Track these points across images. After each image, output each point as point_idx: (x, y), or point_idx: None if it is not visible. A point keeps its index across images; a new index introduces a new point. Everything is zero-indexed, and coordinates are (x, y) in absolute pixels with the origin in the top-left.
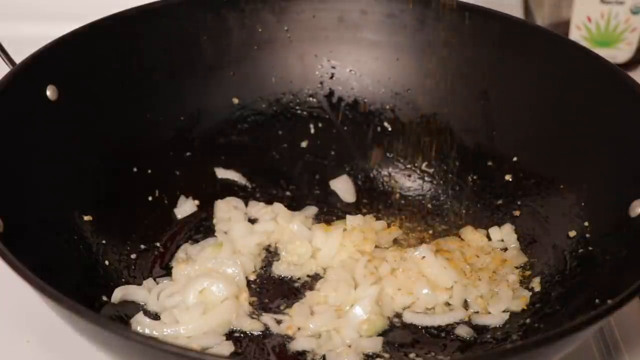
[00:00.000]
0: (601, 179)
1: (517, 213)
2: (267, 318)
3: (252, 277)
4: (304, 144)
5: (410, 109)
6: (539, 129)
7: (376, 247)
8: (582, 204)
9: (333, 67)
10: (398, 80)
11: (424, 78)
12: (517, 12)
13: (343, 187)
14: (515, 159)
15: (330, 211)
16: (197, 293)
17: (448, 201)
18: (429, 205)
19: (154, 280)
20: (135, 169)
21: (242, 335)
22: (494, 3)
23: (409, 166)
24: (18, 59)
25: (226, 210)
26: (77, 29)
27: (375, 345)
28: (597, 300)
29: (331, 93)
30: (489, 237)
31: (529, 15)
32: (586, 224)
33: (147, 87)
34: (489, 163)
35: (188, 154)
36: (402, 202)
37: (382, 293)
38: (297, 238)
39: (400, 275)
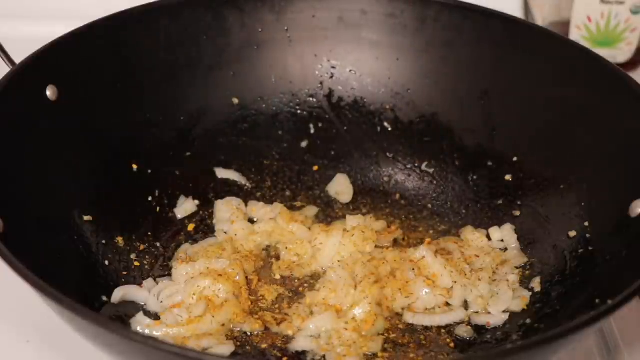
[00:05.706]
0: (601, 179)
1: (517, 213)
2: (267, 318)
3: (252, 277)
4: (304, 144)
5: (410, 109)
6: (539, 129)
7: (376, 247)
8: (582, 204)
9: (333, 67)
10: (398, 80)
11: (424, 78)
12: (517, 12)
13: (339, 188)
14: (515, 159)
15: (330, 211)
16: (197, 293)
17: (448, 201)
18: (429, 205)
19: (154, 280)
20: (135, 169)
21: (242, 335)
22: (494, 3)
23: (409, 166)
24: (18, 59)
25: (226, 210)
26: (77, 29)
27: (375, 345)
28: (597, 300)
29: (331, 93)
30: (489, 237)
31: (529, 15)
32: (586, 224)
33: (147, 87)
34: (489, 163)
35: (188, 154)
36: (402, 202)
37: (382, 293)
38: (297, 238)
39: (400, 276)
